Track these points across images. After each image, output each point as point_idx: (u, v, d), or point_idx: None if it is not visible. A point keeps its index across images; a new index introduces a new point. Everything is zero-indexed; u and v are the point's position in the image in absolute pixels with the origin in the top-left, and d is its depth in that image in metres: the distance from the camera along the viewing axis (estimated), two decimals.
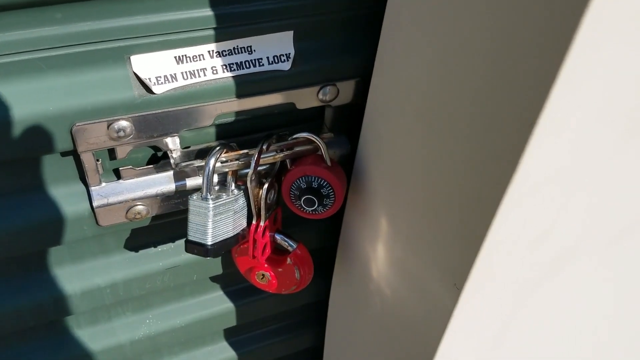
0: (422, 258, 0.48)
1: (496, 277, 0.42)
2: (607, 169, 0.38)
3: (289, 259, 0.57)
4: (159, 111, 0.45)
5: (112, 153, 0.48)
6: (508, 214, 0.37)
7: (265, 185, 0.52)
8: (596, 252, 0.45)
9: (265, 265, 0.57)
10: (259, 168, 0.51)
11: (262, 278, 0.59)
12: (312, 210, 0.54)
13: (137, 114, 0.44)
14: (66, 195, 0.49)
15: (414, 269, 0.49)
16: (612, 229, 0.44)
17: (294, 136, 0.52)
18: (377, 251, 0.56)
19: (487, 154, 0.37)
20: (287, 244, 0.57)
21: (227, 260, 0.63)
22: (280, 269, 0.58)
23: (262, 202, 0.52)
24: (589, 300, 0.51)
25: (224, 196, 0.50)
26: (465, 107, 0.38)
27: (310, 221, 0.57)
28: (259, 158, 0.50)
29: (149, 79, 0.43)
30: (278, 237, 0.57)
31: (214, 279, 0.67)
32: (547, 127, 0.32)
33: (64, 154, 0.46)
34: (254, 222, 0.54)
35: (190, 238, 0.49)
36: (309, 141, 0.52)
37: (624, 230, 0.45)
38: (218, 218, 0.49)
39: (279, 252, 0.59)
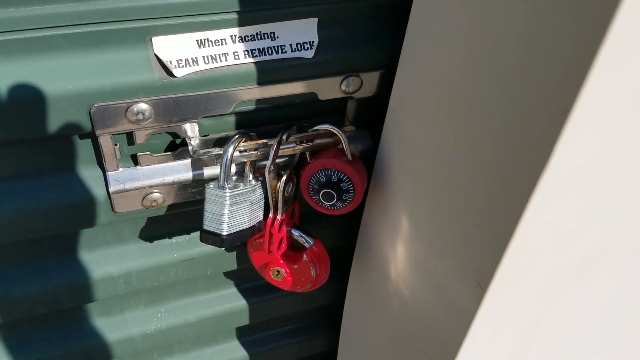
0: (444, 257, 0.46)
1: (522, 278, 0.40)
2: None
3: (305, 256, 0.56)
4: (179, 95, 0.44)
5: (130, 138, 0.48)
6: (538, 211, 0.35)
7: (284, 178, 0.51)
8: (627, 255, 0.43)
9: (281, 261, 0.56)
10: (278, 160, 0.50)
11: (277, 274, 0.57)
12: (330, 205, 0.52)
13: (156, 97, 0.43)
14: (82, 179, 0.48)
15: (435, 268, 0.47)
16: None
17: (315, 128, 0.51)
18: (397, 251, 0.54)
19: (518, 148, 0.35)
20: (303, 239, 0.56)
21: (242, 255, 0.62)
22: (295, 266, 0.56)
23: (279, 195, 0.51)
24: (617, 305, 0.48)
25: (241, 186, 0.49)
26: (496, 100, 0.36)
27: (328, 218, 0.55)
28: (278, 149, 0.48)
29: (170, 61, 0.43)
30: (295, 232, 0.56)
31: (228, 274, 0.66)
32: (581, 119, 0.30)
33: (82, 136, 0.46)
34: (270, 215, 0.52)
35: (205, 227, 0.48)
36: (329, 134, 0.51)
37: None
38: (234, 208, 0.48)
39: (295, 248, 0.57)
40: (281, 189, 0.51)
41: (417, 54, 0.45)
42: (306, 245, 0.56)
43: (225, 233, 0.47)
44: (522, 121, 0.34)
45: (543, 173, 0.33)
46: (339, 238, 0.66)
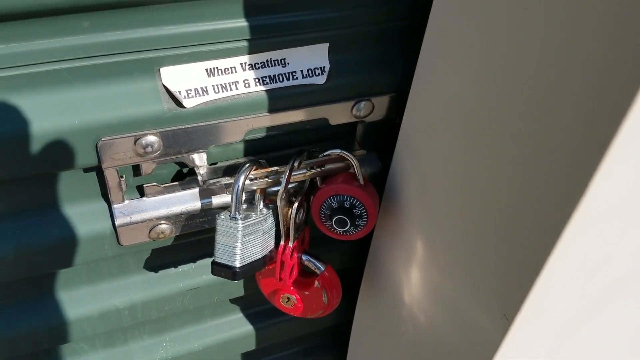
0: (464, 285, 0.45)
1: (549, 308, 0.39)
2: None
3: (316, 282, 0.54)
4: (189, 126, 0.43)
5: (136, 169, 0.46)
6: (570, 244, 0.34)
7: (295, 204, 0.50)
8: None
9: (292, 288, 0.55)
10: (289, 186, 0.49)
11: (287, 301, 0.56)
12: (343, 231, 0.51)
13: (165, 129, 0.42)
14: (87, 213, 0.46)
15: (454, 296, 0.46)
16: None
17: (326, 153, 0.49)
18: (411, 275, 0.53)
19: (548, 179, 0.34)
20: (314, 265, 0.54)
21: (249, 281, 0.60)
22: (306, 292, 0.55)
23: (291, 222, 0.50)
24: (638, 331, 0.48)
25: (253, 215, 0.47)
26: (519, 126, 0.35)
27: (336, 241, 0.54)
28: (289, 176, 0.47)
29: (179, 92, 0.41)
30: (305, 258, 0.54)
31: (234, 300, 0.64)
32: (621, 153, 0.29)
33: (87, 169, 0.44)
34: (282, 242, 0.51)
35: (217, 260, 0.46)
36: (340, 158, 0.50)
37: None
38: (247, 239, 0.46)
39: (305, 274, 0.56)
40: (293, 216, 0.49)
41: (432, 77, 0.44)
42: (317, 271, 0.54)
43: (238, 265, 0.46)
44: (551, 152, 0.33)
45: (578, 207, 0.32)
46: (347, 260, 0.64)
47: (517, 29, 0.33)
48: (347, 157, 0.49)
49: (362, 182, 0.50)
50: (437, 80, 0.43)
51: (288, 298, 0.55)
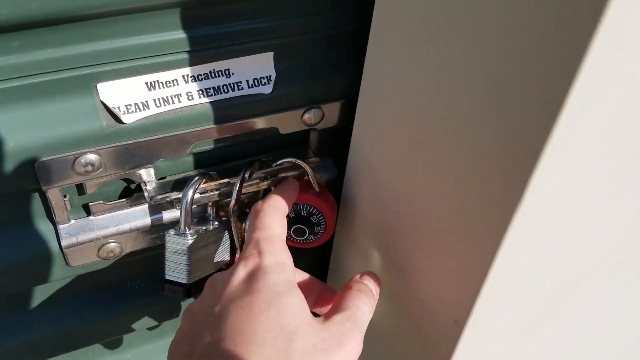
0: (418, 292, 0.44)
1: (499, 316, 0.39)
2: (613, 201, 0.35)
3: None
4: (130, 142, 0.41)
5: (80, 187, 0.45)
6: (512, 251, 0.34)
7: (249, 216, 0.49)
8: (598, 283, 0.42)
9: None
10: (242, 197, 0.48)
11: None
12: (302, 240, 0.51)
13: (106, 147, 0.41)
14: (32, 235, 0.45)
15: (409, 302, 0.46)
16: (615, 258, 0.41)
17: (278, 162, 0.49)
18: None
19: (488, 187, 0.34)
20: None
21: None
22: None
23: (245, 235, 0.49)
24: (592, 330, 0.48)
25: (204, 230, 0.46)
26: (462, 135, 0.35)
27: (297, 249, 0.53)
28: (241, 188, 0.46)
29: (118, 107, 0.40)
30: None
31: None
32: (553, 159, 0.29)
33: (29, 190, 0.43)
34: (237, 255, 0.50)
35: (167, 277, 0.45)
36: (294, 166, 0.49)
37: (626, 259, 0.42)
38: (197, 254, 0.45)
39: None
40: (247, 228, 0.49)
41: (378, 84, 0.43)
42: None
43: (188, 282, 0.45)
44: (490, 159, 0.33)
45: (515, 213, 0.32)
46: (310, 267, 0.64)
47: (454, 35, 0.33)
48: (301, 165, 0.48)
49: (317, 189, 0.49)
50: (382, 87, 0.43)
51: None
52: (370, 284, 0.42)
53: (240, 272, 0.36)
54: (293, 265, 0.39)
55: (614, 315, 0.47)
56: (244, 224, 0.49)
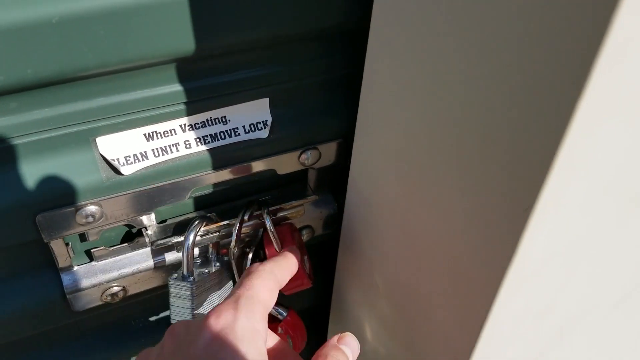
0: (420, 331, 0.45)
1: (498, 355, 0.39)
2: (605, 243, 0.35)
3: (280, 328, 0.54)
4: (130, 192, 0.42)
5: (83, 235, 0.45)
6: (510, 296, 0.34)
7: (250, 255, 0.49)
8: (598, 319, 0.43)
9: None
10: (242, 236, 0.48)
11: None
12: None
13: (106, 198, 0.41)
14: (36, 284, 0.45)
15: (412, 346, 0.46)
16: (614, 295, 0.41)
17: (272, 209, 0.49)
18: (371, 317, 0.53)
19: (485, 230, 0.34)
20: (276, 312, 0.54)
21: None
22: None
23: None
24: None
25: (206, 271, 0.47)
26: (455, 177, 0.35)
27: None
28: (240, 230, 0.47)
29: (117, 159, 0.41)
30: None
31: None
32: (545, 212, 0.29)
33: (31, 242, 0.43)
34: None
35: (173, 321, 0.46)
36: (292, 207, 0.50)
37: (625, 295, 0.42)
38: (202, 297, 0.46)
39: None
40: (248, 266, 0.49)
41: (371, 125, 0.44)
42: (280, 317, 0.54)
43: None
44: (485, 205, 0.33)
45: (512, 260, 0.32)
46: (312, 298, 0.64)
47: (444, 82, 0.34)
48: (266, 224, 0.47)
49: (277, 249, 0.48)
50: (375, 128, 0.43)
51: None
52: (347, 350, 0.39)
53: (208, 331, 0.33)
54: (267, 335, 0.36)
55: (613, 352, 0.47)
56: (244, 264, 0.49)
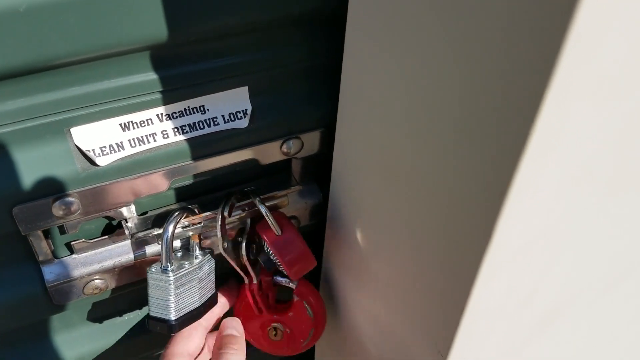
0: (402, 320, 0.44)
1: (482, 344, 0.39)
2: (587, 229, 0.35)
3: (295, 296, 0.53)
4: (107, 183, 0.42)
5: (62, 227, 0.45)
6: (488, 282, 0.34)
7: (243, 244, 0.48)
8: (582, 307, 0.42)
9: (275, 316, 0.53)
10: (230, 226, 0.48)
11: (276, 334, 0.54)
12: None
13: (82, 189, 0.41)
14: (16, 277, 0.45)
15: (396, 331, 0.46)
16: (597, 283, 0.41)
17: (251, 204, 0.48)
18: (360, 307, 0.53)
19: (461, 217, 0.34)
20: (287, 281, 0.53)
21: None
22: (290, 314, 0.54)
23: (246, 263, 0.49)
24: (577, 353, 0.48)
25: (187, 264, 0.46)
26: (433, 164, 0.35)
27: None
28: (224, 225, 0.46)
29: (93, 150, 0.40)
30: (278, 279, 0.53)
31: None
32: (518, 200, 0.29)
33: (9, 234, 0.43)
34: (246, 282, 0.50)
35: (152, 314, 0.45)
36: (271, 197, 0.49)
37: (610, 282, 0.42)
38: (181, 290, 0.45)
39: (278, 302, 0.55)
40: (244, 255, 0.48)
41: (352, 114, 0.43)
42: (292, 286, 0.53)
43: (173, 318, 0.45)
44: (462, 190, 0.33)
45: (488, 247, 0.32)
46: None
47: (429, 68, 0.33)
48: (261, 211, 0.47)
49: (278, 233, 0.48)
50: (356, 116, 0.42)
51: (275, 329, 0.54)
52: (233, 331, 0.49)
53: None
54: None
55: (598, 339, 0.47)
56: (241, 252, 0.48)
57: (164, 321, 0.45)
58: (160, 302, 0.45)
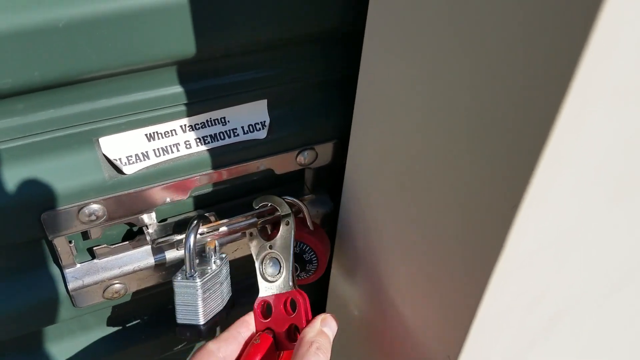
0: (414, 328, 0.46)
1: (489, 348, 0.41)
2: (594, 234, 0.37)
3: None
4: (132, 191, 0.43)
5: (85, 233, 0.46)
6: (500, 288, 0.36)
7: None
8: (589, 308, 0.44)
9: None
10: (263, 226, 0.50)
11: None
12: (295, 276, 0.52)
13: (108, 196, 0.43)
14: (40, 280, 0.46)
15: (403, 338, 0.47)
16: (603, 286, 0.43)
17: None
18: (368, 315, 0.54)
19: (475, 226, 0.35)
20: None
21: None
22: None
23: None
24: (582, 354, 0.50)
25: (208, 270, 0.48)
26: (447, 174, 0.37)
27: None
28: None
29: (120, 159, 0.42)
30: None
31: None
32: (534, 202, 0.31)
33: (35, 239, 0.44)
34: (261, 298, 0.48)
35: (180, 321, 0.46)
36: (290, 203, 0.51)
37: (615, 284, 0.44)
38: (207, 294, 0.47)
39: None
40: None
41: (366, 126, 0.45)
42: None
43: (202, 323, 0.46)
44: (476, 200, 0.34)
45: (501, 252, 0.33)
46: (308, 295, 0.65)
47: (440, 86, 0.35)
48: (296, 204, 0.50)
49: (311, 227, 0.51)
50: (371, 129, 0.44)
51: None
52: (329, 331, 0.44)
53: None
54: None
55: (602, 342, 0.49)
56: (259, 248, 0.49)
57: (193, 326, 0.46)
58: (189, 308, 0.46)
